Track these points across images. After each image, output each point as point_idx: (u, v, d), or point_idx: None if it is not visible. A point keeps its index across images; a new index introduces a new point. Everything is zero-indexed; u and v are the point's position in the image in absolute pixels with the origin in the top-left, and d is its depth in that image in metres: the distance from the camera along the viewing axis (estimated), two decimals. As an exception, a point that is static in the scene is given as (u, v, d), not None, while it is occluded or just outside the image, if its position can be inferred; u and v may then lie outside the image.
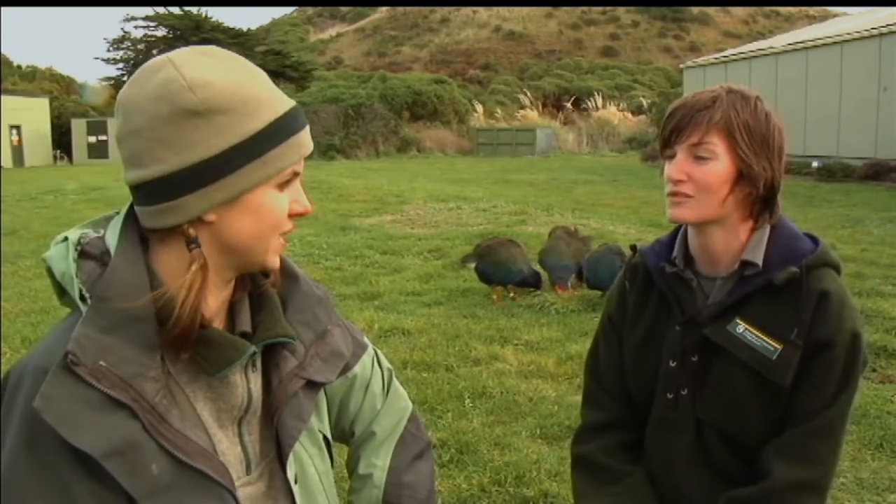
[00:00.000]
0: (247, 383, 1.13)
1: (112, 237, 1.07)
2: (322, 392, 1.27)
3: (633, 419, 1.73)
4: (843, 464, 3.80)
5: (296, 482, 1.18)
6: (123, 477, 0.96)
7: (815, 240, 1.60)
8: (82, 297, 1.02)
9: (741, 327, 1.54)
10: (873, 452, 3.98)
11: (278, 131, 1.06)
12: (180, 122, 1.01)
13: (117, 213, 1.13)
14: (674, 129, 1.55)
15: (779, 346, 1.51)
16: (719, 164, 1.52)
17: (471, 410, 4.61)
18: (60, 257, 1.06)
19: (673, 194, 1.56)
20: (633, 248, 1.81)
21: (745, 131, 1.51)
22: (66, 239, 1.07)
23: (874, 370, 5.15)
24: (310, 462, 1.23)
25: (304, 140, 1.10)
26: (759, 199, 1.55)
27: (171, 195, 1.02)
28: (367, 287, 7.90)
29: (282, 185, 1.08)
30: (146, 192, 1.04)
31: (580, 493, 1.75)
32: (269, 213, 1.07)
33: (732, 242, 1.58)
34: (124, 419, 0.97)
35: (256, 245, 1.08)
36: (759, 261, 1.55)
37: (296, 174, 1.10)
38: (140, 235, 1.08)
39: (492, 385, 5.00)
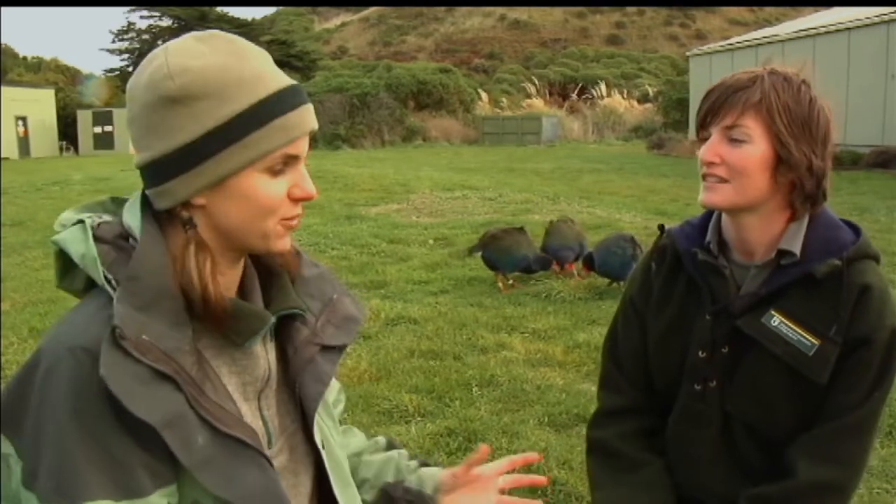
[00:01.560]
0: (266, 354, 1.16)
1: (133, 219, 1.08)
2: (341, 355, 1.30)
3: (651, 405, 1.69)
4: (852, 451, 3.80)
5: (322, 447, 1.21)
6: (178, 447, 0.98)
7: (856, 229, 1.53)
8: (106, 279, 1.03)
9: (776, 320, 1.48)
10: (882, 440, 3.96)
11: (259, 114, 1.04)
12: (161, 109, 1.04)
13: (112, 198, 1.16)
14: (709, 111, 1.50)
15: (816, 342, 1.45)
16: (755, 147, 1.45)
17: (478, 399, 4.60)
18: (78, 240, 1.06)
19: (706, 177, 1.50)
20: (661, 227, 1.74)
21: (785, 114, 1.45)
22: (79, 222, 1.07)
23: (883, 358, 5.14)
24: (329, 433, 1.26)
25: (295, 121, 1.07)
26: (801, 187, 1.47)
27: (160, 179, 1.06)
28: (373, 276, 7.90)
29: (274, 170, 1.07)
30: (145, 175, 1.08)
31: (596, 481, 1.71)
32: (259, 198, 1.06)
33: (769, 230, 1.52)
34: (171, 391, 1.00)
35: (249, 229, 1.08)
36: (798, 250, 1.49)
37: (291, 157, 1.08)
38: (154, 217, 1.09)
39: (499, 373, 4.99)
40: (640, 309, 1.70)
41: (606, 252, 6.86)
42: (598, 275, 7.03)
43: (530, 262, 7.21)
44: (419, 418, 4.31)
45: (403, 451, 1.47)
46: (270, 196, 1.07)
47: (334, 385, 1.43)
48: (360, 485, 1.40)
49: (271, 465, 1.08)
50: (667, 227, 1.73)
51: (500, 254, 7.20)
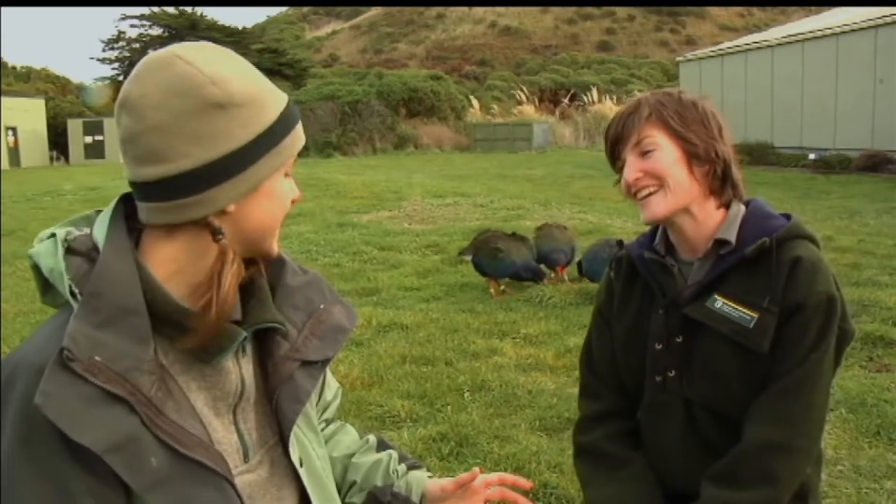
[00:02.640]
0: (239, 369, 1.14)
1: (100, 232, 1.08)
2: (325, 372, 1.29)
3: (630, 408, 1.77)
4: (840, 452, 3.83)
5: (301, 465, 1.19)
6: (124, 471, 0.96)
7: (788, 217, 1.64)
8: (72, 293, 1.02)
9: (719, 302, 1.59)
10: (870, 440, 4.00)
11: (286, 121, 1.10)
12: (205, 116, 1.02)
13: (97, 211, 1.14)
14: (614, 142, 1.65)
15: (755, 315, 1.55)
16: (665, 151, 1.59)
17: (470, 404, 4.62)
18: (48, 253, 1.06)
19: (637, 196, 1.63)
20: (620, 243, 1.89)
21: (677, 117, 1.60)
22: (52, 235, 1.08)
23: (871, 359, 5.18)
24: (310, 447, 1.25)
25: (301, 130, 1.14)
26: (716, 173, 1.61)
27: (198, 188, 1.03)
28: (365, 283, 7.92)
29: (287, 172, 1.13)
30: (167, 187, 1.03)
31: (587, 480, 1.79)
32: (281, 199, 1.12)
33: (704, 225, 1.63)
34: (122, 413, 0.97)
35: (269, 231, 1.12)
36: (733, 238, 1.61)
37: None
38: (128, 230, 1.08)
39: (491, 378, 5.01)
40: (607, 317, 1.81)
41: (595, 257, 6.90)
42: (588, 280, 7.05)
43: (519, 270, 7.21)
44: (411, 424, 4.33)
45: (394, 453, 1.48)
46: (287, 196, 1.13)
47: (332, 385, 1.45)
48: (349, 486, 1.42)
49: (234, 487, 1.07)
50: (625, 242, 1.89)
51: (490, 259, 7.22)
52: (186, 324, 1.06)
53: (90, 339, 0.98)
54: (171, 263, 1.07)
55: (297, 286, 1.25)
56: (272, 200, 1.10)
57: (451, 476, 3.79)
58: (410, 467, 1.47)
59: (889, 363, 5.16)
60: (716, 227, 1.63)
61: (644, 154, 1.60)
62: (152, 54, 1.07)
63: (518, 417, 4.44)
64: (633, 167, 1.61)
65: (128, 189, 1.10)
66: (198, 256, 1.07)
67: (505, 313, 6.63)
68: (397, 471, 1.44)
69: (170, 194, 1.03)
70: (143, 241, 1.08)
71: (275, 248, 1.15)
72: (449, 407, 4.55)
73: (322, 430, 1.43)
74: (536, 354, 5.53)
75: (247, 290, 1.17)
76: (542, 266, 7.38)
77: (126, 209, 1.11)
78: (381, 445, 1.50)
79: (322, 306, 1.26)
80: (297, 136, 1.12)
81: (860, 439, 4.01)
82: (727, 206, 1.65)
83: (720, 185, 1.63)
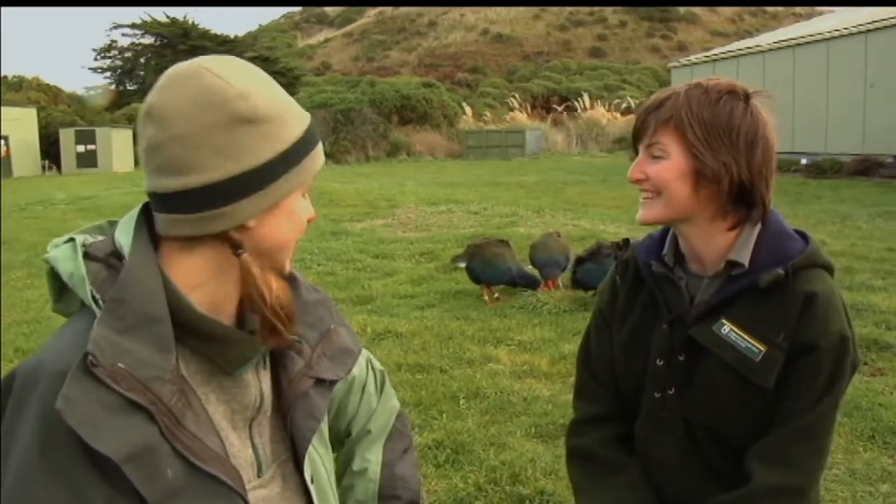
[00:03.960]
0: (259, 382, 1.14)
1: (125, 238, 1.07)
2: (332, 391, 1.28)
3: (626, 412, 1.73)
4: (835, 455, 3.83)
5: (312, 482, 1.19)
6: (140, 481, 0.95)
7: (806, 238, 1.57)
8: (94, 298, 1.01)
9: (726, 328, 1.53)
10: (865, 444, 4.01)
11: (308, 140, 1.10)
12: (233, 129, 1.02)
13: (110, 222, 1.14)
14: (635, 132, 1.59)
15: (763, 349, 1.49)
16: (672, 162, 1.51)
17: (465, 411, 4.62)
18: (67, 258, 1.05)
19: (641, 194, 1.58)
20: (626, 242, 1.80)
21: (699, 126, 1.48)
22: (70, 240, 1.07)
23: (865, 363, 5.19)
24: (320, 462, 1.25)
25: (321, 149, 1.14)
26: (726, 197, 1.51)
27: (221, 202, 1.03)
28: (359, 291, 7.91)
29: (305, 192, 1.13)
30: (189, 199, 1.03)
31: (579, 486, 1.75)
32: (299, 218, 1.12)
33: (713, 240, 1.56)
34: (142, 422, 0.96)
35: (285, 248, 1.12)
36: (746, 261, 1.53)
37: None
38: (151, 240, 1.08)
39: (486, 385, 5.01)
40: (609, 320, 1.75)
41: (588, 263, 6.91)
42: (581, 287, 7.07)
43: (514, 276, 7.23)
44: (407, 431, 4.31)
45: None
46: (303, 215, 1.13)
47: (363, 357, 1.40)
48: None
49: (246, 502, 1.06)
50: (631, 240, 1.78)
51: (484, 266, 7.23)
52: (214, 334, 1.06)
53: (114, 345, 0.97)
54: (193, 276, 1.06)
55: (311, 303, 1.25)
56: (291, 219, 1.10)
57: (448, 483, 3.78)
58: None
59: (883, 367, 5.18)
60: (728, 245, 1.56)
61: (653, 157, 1.54)
62: (178, 65, 1.06)
63: (513, 424, 4.44)
64: (638, 166, 1.56)
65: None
66: (219, 270, 1.07)
67: (499, 320, 6.64)
68: None
69: (192, 206, 1.03)
70: (163, 251, 1.08)
71: (287, 265, 1.15)
72: (444, 414, 4.56)
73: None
74: (531, 361, 5.54)
75: None
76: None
77: (145, 219, 1.10)
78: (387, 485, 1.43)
79: (332, 326, 1.27)
80: (318, 156, 1.12)
81: (855, 443, 4.02)
82: (741, 226, 1.56)
83: (732, 206, 1.53)
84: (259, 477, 1.13)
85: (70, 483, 0.95)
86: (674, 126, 1.50)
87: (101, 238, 1.10)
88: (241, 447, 1.12)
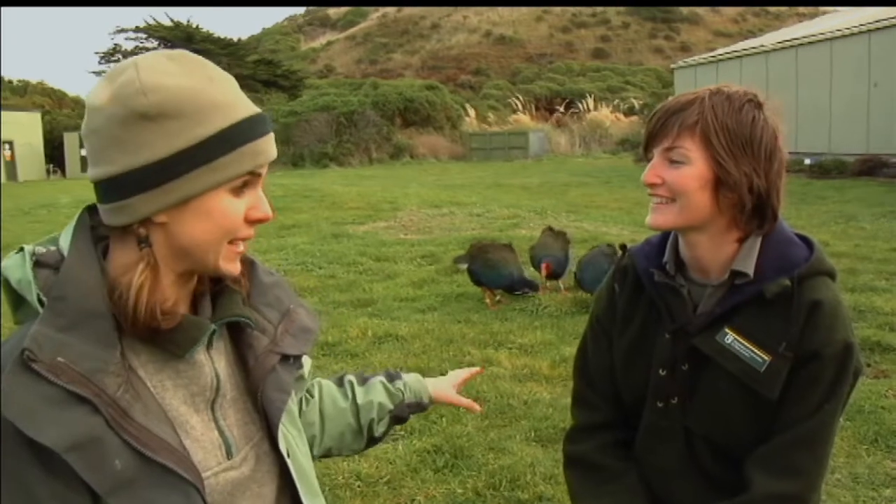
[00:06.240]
0: (211, 362, 1.15)
1: (65, 240, 1.09)
2: (301, 367, 1.33)
3: (624, 419, 1.71)
4: (837, 459, 3.80)
5: (288, 456, 1.20)
6: (86, 471, 0.96)
7: (809, 244, 1.55)
8: (40, 301, 1.03)
9: (730, 337, 1.50)
10: (868, 447, 3.98)
11: (230, 138, 1.06)
12: (130, 124, 1.03)
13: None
14: (650, 134, 1.52)
15: (767, 358, 1.47)
16: (693, 168, 1.46)
17: (465, 415, 4.59)
18: (16, 265, 1.07)
19: (651, 196, 1.52)
20: (623, 247, 1.76)
21: (724, 134, 1.45)
22: (21, 249, 1.09)
23: (868, 365, 5.15)
24: (294, 442, 1.26)
25: (263, 148, 1.10)
26: (745, 207, 1.48)
27: (121, 195, 1.04)
28: (360, 294, 7.89)
29: (237, 191, 1.09)
30: (102, 190, 1.07)
31: (577, 493, 1.73)
32: (222, 218, 1.08)
33: (721, 250, 1.53)
34: (86, 414, 0.97)
35: (208, 248, 1.09)
36: (751, 270, 1.50)
37: (255, 176, 1.10)
38: (97, 236, 1.10)
39: (486, 389, 4.98)
40: (607, 328, 1.72)
41: (588, 266, 6.92)
42: (581, 289, 7.06)
43: (514, 281, 7.22)
44: (406, 436, 4.30)
45: (382, 378, 1.67)
46: (231, 216, 1.09)
47: (306, 362, 1.45)
48: (369, 424, 1.60)
49: (200, 493, 1.06)
50: (629, 246, 1.74)
51: (486, 269, 7.21)
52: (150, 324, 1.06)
53: (53, 340, 0.98)
54: (121, 268, 1.07)
55: (269, 285, 1.28)
56: (211, 218, 1.07)
57: (447, 488, 3.75)
58: (397, 378, 1.68)
59: (886, 369, 5.15)
60: (732, 254, 1.53)
61: (672, 162, 1.48)
62: (123, 61, 1.09)
63: (513, 428, 4.41)
64: (654, 170, 1.50)
65: None
66: (135, 263, 1.07)
67: (500, 323, 6.62)
68: (401, 390, 1.65)
69: (105, 197, 1.07)
70: (110, 245, 1.10)
71: (224, 268, 1.12)
72: (444, 419, 4.53)
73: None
74: (532, 364, 5.52)
75: (220, 288, 1.19)
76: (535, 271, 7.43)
77: (97, 219, 1.11)
78: (361, 379, 1.65)
79: (291, 306, 1.29)
80: (248, 155, 1.07)
81: (858, 447, 3.99)
82: (749, 236, 1.53)
83: (748, 217, 1.49)
84: (229, 459, 1.14)
85: (17, 479, 0.96)
86: (700, 132, 1.46)
87: (53, 248, 1.11)
88: (205, 430, 1.12)
